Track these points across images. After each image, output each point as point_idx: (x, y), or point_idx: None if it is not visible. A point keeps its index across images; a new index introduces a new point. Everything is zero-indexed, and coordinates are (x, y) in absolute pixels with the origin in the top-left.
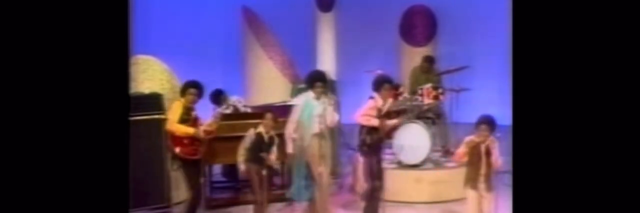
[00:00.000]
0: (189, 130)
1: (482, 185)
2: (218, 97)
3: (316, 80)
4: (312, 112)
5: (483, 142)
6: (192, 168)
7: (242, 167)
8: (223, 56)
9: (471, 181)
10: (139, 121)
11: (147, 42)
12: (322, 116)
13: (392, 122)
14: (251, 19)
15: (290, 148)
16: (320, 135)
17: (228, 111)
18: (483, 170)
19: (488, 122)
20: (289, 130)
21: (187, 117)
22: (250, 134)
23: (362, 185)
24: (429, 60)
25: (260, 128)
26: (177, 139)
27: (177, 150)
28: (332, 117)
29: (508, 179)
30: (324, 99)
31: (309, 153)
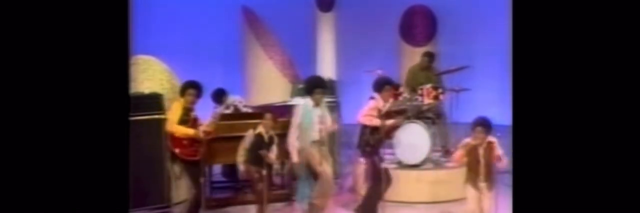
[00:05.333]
0: (189, 131)
1: (482, 184)
2: (220, 97)
3: (316, 87)
4: (312, 119)
5: (480, 144)
6: (193, 168)
7: (241, 167)
8: (223, 56)
9: (471, 181)
10: (139, 121)
11: (147, 42)
12: (322, 122)
13: (390, 122)
14: (251, 19)
15: (294, 158)
16: (320, 141)
17: (228, 111)
18: (482, 171)
19: (483, 124)
20: (292, 139)
21: (187, 118)
22: (250, 135)
23: (361, 185)
24: (428, 56)
25: (260, 129)
26: (177, 140)
27: (177, 151)
28: (330, 123)
29: (508, 179)
30: (322, 105)
31: (310, 157)
